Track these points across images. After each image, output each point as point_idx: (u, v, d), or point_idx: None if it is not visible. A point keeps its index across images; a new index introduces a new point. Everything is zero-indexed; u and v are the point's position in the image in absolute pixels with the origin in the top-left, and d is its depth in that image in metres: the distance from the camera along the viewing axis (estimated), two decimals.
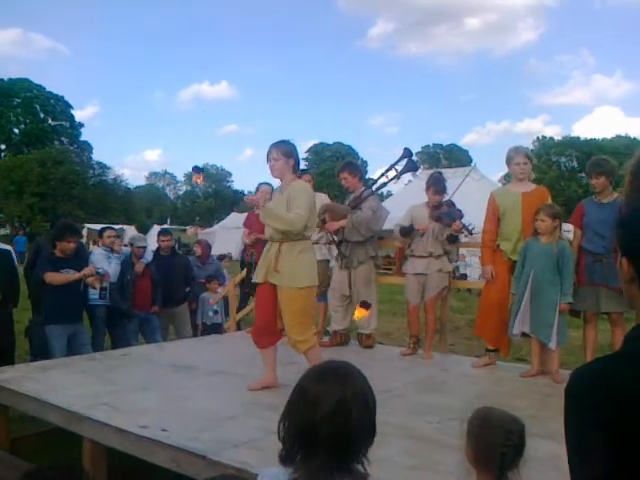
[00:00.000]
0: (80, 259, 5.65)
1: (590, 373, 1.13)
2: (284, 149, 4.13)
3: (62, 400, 3.67)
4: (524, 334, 4.69)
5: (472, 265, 15.25)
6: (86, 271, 5.33)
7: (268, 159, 4.14)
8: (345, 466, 1.37)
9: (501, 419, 1.91)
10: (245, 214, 7.30)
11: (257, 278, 4.23)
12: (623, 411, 1.02)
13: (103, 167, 48.57)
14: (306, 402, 1.38)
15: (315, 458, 1.34)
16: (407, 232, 5.31)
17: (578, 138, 54.19)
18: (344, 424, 1.34)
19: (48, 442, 4.24)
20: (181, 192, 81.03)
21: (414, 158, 6.03)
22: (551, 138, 56.16)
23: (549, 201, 4.79)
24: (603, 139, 53.09)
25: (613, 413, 1.03)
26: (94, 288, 5.65)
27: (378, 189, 5.86)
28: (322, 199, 5.85)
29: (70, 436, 3.62)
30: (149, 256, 6.84)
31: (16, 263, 6.14)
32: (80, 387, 4.03)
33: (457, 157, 60.07)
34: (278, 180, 4.30)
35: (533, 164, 4.99)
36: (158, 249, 7.08)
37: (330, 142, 67.66)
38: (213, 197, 73.75)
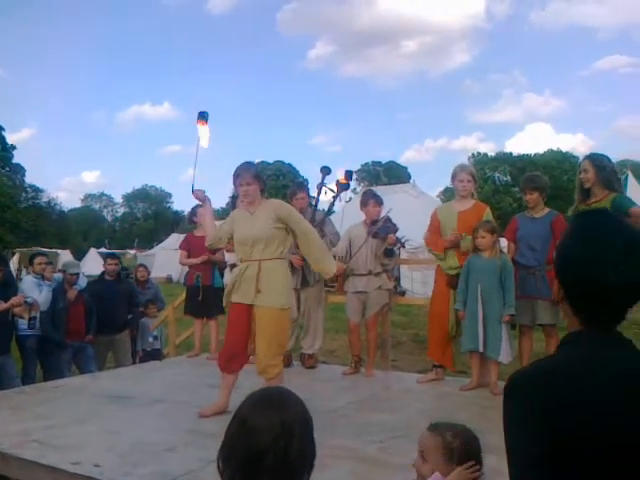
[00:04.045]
0: (8, 288, 5.41)
1: (524, 372, 1.20)
2: (256, 172, 3.98)
3: None
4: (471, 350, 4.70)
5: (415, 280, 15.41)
6: (13, 301, 5.09)
7: (239, 183, 3.92)
8: None
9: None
10: (184, 235, 7.16)
11: (235, 299, 3.93)
12: (554, 407, 1.09)
13: (36, 190, 47.09)
14: (246, 432, 1.33)
15: None
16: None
17: (511, 154, 56.09)
18: (287, 451, 1.31)
19: None
20: (119, 214, 79.14)
21: (354, 176, 6.06)
22: (485, 154, 57.90)
23: (488, 217, 4.83)
24: (535, 154, 55.13)
25: (544, 409, 1.09)
26: (22, 318, 5.40)
27: (329, 212, 5.82)
28: None
29: None
30: (83, 282, 6.61)
31: None
32: (8, 424, 3.81)
33: (396, 174, 60.97)
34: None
35: (477, 184, 5.08)
36: (103, 273, 6.90)
37: (270, 161, 67.67)
38: (153, 218, 72.34)
